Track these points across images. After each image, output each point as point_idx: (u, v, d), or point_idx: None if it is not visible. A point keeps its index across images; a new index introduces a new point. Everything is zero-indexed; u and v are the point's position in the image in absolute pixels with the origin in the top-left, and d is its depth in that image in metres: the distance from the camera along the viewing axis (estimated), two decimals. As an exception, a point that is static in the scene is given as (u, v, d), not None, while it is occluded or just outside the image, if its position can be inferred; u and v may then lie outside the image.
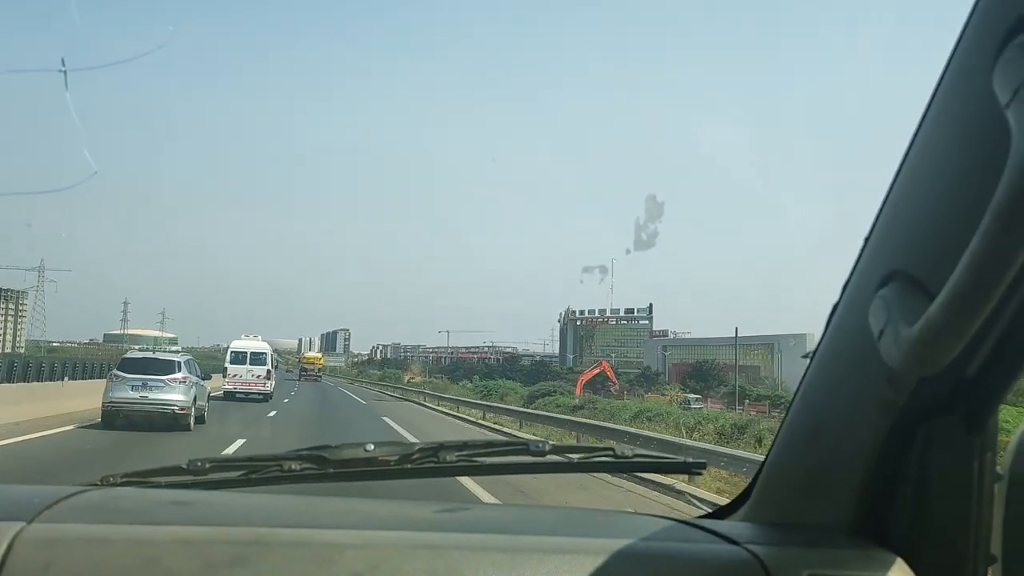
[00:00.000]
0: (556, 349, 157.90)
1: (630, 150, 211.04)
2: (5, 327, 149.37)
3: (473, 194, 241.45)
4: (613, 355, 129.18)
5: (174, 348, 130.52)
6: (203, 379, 17.45)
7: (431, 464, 1.40)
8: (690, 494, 8.90)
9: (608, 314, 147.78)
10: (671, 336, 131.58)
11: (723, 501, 1.58)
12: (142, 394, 15.02)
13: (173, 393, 15.24)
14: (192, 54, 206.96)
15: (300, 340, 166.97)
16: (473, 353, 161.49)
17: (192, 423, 15.71)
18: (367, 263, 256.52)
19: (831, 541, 1.08)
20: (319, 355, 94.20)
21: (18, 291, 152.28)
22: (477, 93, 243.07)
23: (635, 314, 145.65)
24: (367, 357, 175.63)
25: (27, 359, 28.74)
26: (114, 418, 15.02)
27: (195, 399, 16.09)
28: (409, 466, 1.40)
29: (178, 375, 15.56)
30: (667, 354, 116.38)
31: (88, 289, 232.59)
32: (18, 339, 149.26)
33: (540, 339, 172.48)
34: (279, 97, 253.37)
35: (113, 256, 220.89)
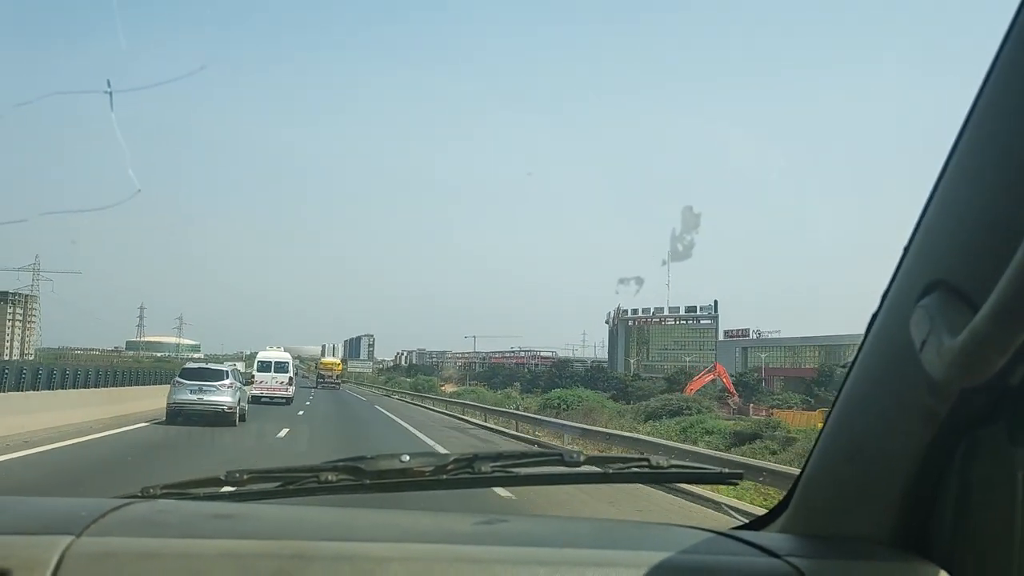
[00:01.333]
0: (592, 352, 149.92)
1: (666, 161, 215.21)
2: (13, 332, 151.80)
3: (502, 203, 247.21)
4: (670, 359, 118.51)
5: (196, 355, 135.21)
6: (244, 385, 22.10)
7: (466, 475, 1.47)
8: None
9: (666, 313, 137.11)
10: (754, 336, 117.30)
11: None
12: (199, 396, 20.00)
13: (223, 396, 20.23)
14: (219, 69, 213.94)
15: (323, 347, 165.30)
16: (507, 358, 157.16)
17: (237, 420, 20.57)
18: (391, 270, 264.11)
19: (872, 553, 1.10)
20: (337, 360, 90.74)
21: (26, 295, 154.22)
22: (504, 104, 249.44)
23: (698, 313, 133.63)
24: (392, 363, 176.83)
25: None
26: (176, 416, 19.89)
27: (239, 401, 21.12)
28: (444, 477, 1.46)
29: (227, 381, 20.64)
30: (763, 356, 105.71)
31: (105, 295, 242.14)
32: (27, 345, 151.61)
33: (569, 343, 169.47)
34: (304, 109, 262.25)
35: (132, 263, 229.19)
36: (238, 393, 21.08)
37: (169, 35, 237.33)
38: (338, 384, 72.40)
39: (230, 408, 20.22)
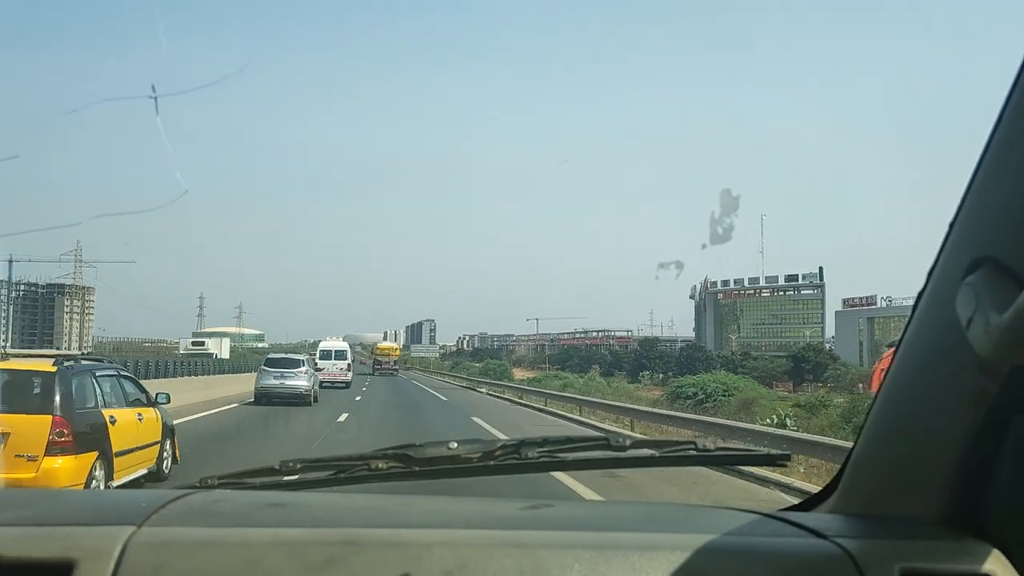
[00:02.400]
0: (661, 331, 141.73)
1: (705, 142, 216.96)
2: (71, 325, 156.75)
3: (554, 188, 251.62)
4: (768, 334, 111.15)
5: (261, 345, 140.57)
6: (316, 371, 27.07)
7: (513, 460, 1.54)
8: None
9: (762, 284, 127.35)
10: (883, 304, 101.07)
11: None
12: (280, 381, 25.33)
13: (300, 380, 25.56)
14: (272, 66, 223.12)
15: (385, 333, 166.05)
16: (577, 339, 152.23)
17: (312, 401, 25.73)
18: (451, 256, 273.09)
19: (923, 533, 1.12)
20: (394, 345, 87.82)
21: (83, 287, 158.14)
22: (550, 93, 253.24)
23: (800, 282, 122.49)
24: (455, 348, 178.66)
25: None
26: (262, 398, 25.13)
27: (313, 385, 26.52)
28: (492, 463, 1.53)
29: (303, 369, 26.04)
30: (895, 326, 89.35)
31: (162, 287, 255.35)
32: (84, 338, 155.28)
33: (633, 325, 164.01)
34: (352, 100, 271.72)
35: (190, 254, 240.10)
36: (312, 378, 26.61)
37: (210, 34, 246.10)
38: (396, 370, 70.29)
39: (306, 391, 25.65)
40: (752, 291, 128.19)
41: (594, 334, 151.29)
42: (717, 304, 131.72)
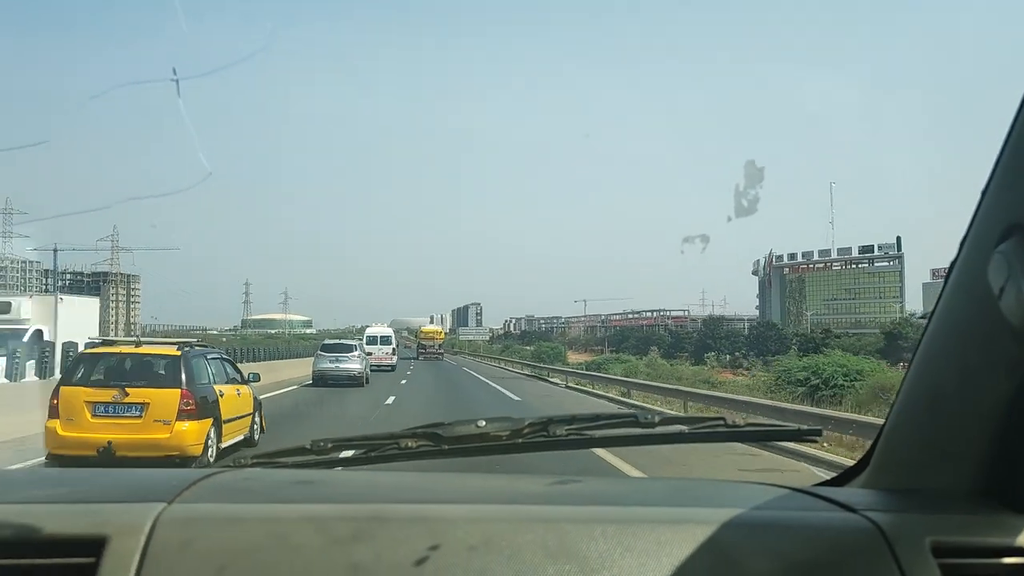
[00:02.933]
0: (711, 309, 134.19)
1: (730, 113, 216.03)
2: (116, 314, 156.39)
3: (591, 167, 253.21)
4: (842, 309, 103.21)
5: (309, 331, 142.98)
6: (367, 356, 29.44)
7: (541, 438, 1.55)
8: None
9: (834, 256, 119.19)
10: None
11: None
12: (336, 365, 28.13)
13: (354, 364, 28.29)
14: (304, 50, 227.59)
15: (431, 317, 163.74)
16: (630, 319, 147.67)
17: (364, 382, 28.34)
18: (495, 239, 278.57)
19: (955, 506, 1.13)
20: (439, 328, 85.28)
21: (128, 275, 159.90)
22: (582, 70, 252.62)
23: (876, 253, 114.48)
24: (502, 331, 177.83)
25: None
26: (320, 379, 27.86)
27: (365, 368, 29.20)
28: (520, 441, 1.54)
29: (356, 353, 28.77)
30: None
31: (206, 275, 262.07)
32: (131, 326, 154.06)
33: (682, 304, 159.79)
34: (397, 85, 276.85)
35: (238, 242, 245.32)
36: (364, 362, 29.34)
37: (242, 14, 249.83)
38: (441, 354, 69.42)
39: (359, 373, 28.69)
40: (823, 264, 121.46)
41: (648, 314, 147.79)
42: (783, 279, 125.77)
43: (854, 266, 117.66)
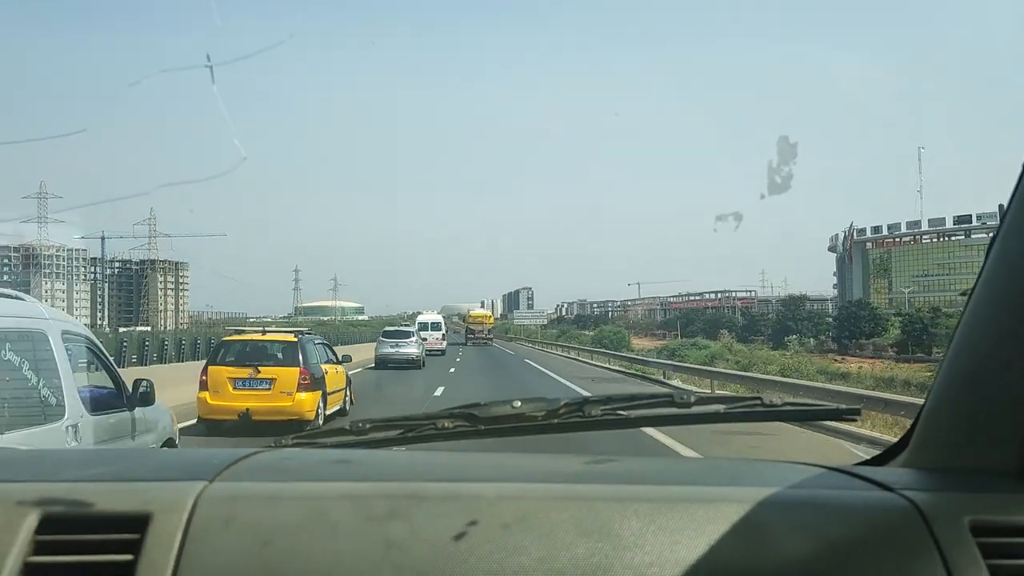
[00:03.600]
0: (774, 292, 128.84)
1: (764, 91, 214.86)
2: (166, 301, 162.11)
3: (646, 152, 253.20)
4: (934, 287, 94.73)
5: (361, 318, 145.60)
6: (423, 340, 33.15)
7: (577, 418, 1.56)
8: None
9: (924, 228, 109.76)
10: None
11: None
12: (396, 349, 32.05)
13: (412, 348, 32.14)
14: (345, 35, 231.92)
15: (482, 302, 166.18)
16: (690, 302, 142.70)
17: (421, 365, 31.89)
18: (545, 224, 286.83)
19: (995, 485, 1.13)
20: (487, 312, 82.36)
21: (176, 262, 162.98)
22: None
23: (972, 224, 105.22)
24: (555, 316, 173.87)
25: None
26: (381, 363, 31.46)
27: (422, 352, 32.83)
28: (556, 421, 1.56)
29: (413, 339, 32.63)
30: None
31: (255, 263, 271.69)
32: (180, 314, 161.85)
33: (744, 284, 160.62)
34: (441, 72, 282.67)
35: (286, 229, 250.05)
36: (420, 346, 33.01)
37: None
38: (490, 339, 68.61)
39: (416, 357, 32.76)
40: (911, 237, 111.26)
41: (711, 296, 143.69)
42: (865, 254, 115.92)
43: (947, 239, 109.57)
